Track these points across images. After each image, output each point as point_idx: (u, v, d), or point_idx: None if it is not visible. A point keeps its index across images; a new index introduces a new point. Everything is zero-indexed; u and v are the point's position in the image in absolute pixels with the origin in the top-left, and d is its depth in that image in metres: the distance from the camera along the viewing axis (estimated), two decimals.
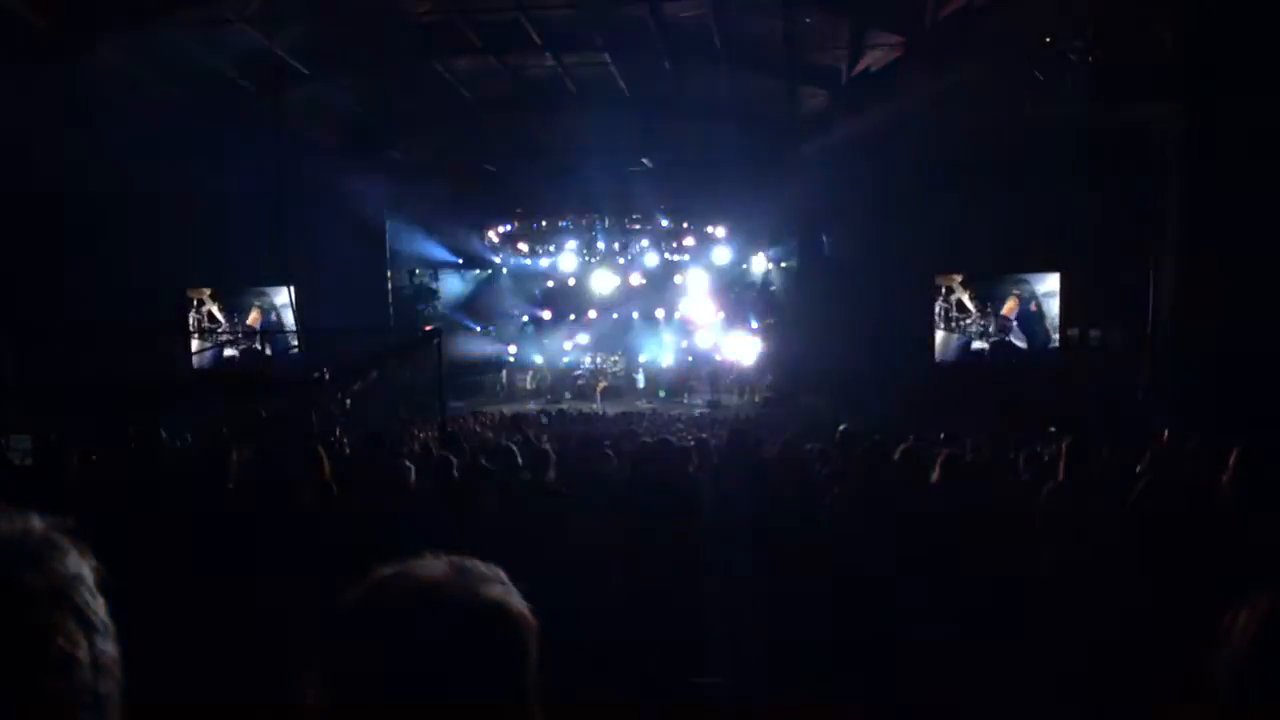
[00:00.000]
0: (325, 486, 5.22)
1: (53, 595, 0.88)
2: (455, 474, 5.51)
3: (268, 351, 22.02)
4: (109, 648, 0.92)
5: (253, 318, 22.32)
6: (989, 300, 20.00)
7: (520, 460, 5.71)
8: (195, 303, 22.19)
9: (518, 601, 1.16)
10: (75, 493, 5.25)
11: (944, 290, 20.04)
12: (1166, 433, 8.11)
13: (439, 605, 1.10)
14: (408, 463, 5.74)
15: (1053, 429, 9.72)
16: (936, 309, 20.01)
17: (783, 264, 25.01)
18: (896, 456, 5.28)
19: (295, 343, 20.71)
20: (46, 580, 0.88)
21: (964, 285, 20.00)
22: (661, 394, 25.88)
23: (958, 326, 20.01)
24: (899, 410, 14.96)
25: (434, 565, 1.16)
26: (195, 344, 21.99)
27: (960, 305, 20.01)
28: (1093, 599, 3.75)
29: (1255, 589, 1.21)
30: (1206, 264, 13.07)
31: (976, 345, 20.02)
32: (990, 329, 19.90)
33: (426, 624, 1.08)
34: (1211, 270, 12.97)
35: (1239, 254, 12.58)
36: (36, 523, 0.92)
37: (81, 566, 0.92)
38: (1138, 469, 5.53)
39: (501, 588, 1.16)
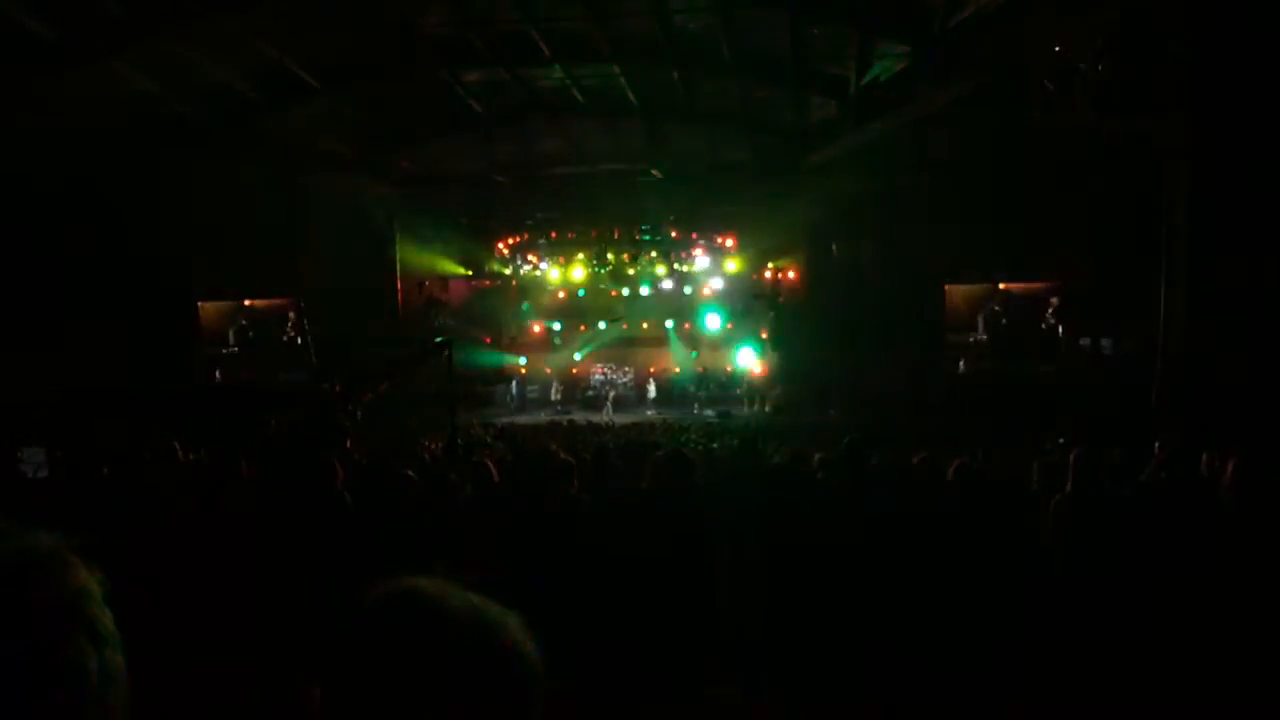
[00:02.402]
0: (338, 496, 5.24)
1: (62, 608, 0.90)
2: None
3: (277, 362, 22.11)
4: (117, 659, 0.94)
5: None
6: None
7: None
8: (211, 313, 22.35)
9: (533, 651, 1.14)
10: (92, 505, 5.27)
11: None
12: (1159, 443, 8.06)
13: (458, 645, 1.08)
14: (413, 473, 5.76)
15: (1061, 440, 9.68)
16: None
17: (791, 273, 25.01)
18: (911, 468, 5.28)
19: (306, 353, 20.83)
20: (56, 594, 0.91)
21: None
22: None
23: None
24: (909, 419, 14.94)
25: (456, 596, 1.13)
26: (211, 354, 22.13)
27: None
28: (1098, 604, 3.75)
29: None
30: (1215, 272, 13.02)
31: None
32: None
33: (442, 660, 1.07)
34: (1221, 279, 12.93)
35: (1248, 263, 12.54)
36: (45, 538, 0.94)
37: (89, 580, 0.95)
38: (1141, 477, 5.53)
39: (520, 634, 1.14)
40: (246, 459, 6.22)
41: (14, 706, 0.84)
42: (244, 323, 22.45)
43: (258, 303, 22.33)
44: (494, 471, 6.00)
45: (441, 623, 1.10)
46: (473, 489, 5.88)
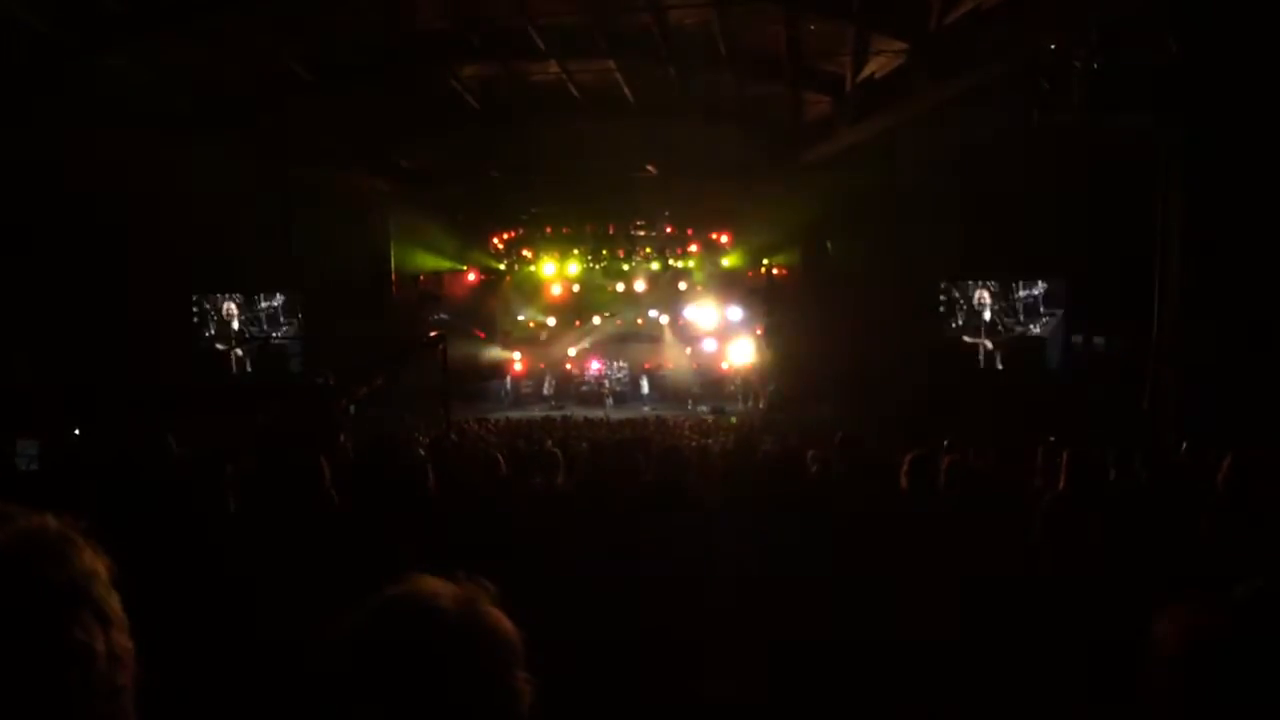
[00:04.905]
0: (325, 495, 5.20)
1: (70, 590, 0.92)
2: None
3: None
4: (124, 641, 0.96)
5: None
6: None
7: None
8: (210, 308, 22.33)
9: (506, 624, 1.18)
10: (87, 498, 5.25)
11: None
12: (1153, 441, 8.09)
13: (446, 656, 1.12)
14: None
15: (1052, 439, 9.68)
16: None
17: (787, 270, 25.01)
18: (905, 465, 5.27)
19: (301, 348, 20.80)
20: (64, 575, 0.93)
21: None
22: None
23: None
24: (904, 416, 14.93)
25: (442, 589, 1.17)
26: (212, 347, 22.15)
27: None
28: (1090, 606, 3.76)
29: (1176, 599, 1.21)
30: (1210, 271, 13.05)
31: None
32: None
33: (430, 668, 1.10)
34: (1215, 277, 12.95)
35: (1243, 261, 12.57)
36: (53, 521, 0.97)
37: (96, 563, 0.97)
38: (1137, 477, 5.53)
39: (515, 638, 1.18)
40: (238, 454, 6.19)
41: (23, 686, 0.85)
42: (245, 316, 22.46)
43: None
44: (503, 463, 5.99)
45: (431, 630, 1.12)
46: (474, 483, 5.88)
